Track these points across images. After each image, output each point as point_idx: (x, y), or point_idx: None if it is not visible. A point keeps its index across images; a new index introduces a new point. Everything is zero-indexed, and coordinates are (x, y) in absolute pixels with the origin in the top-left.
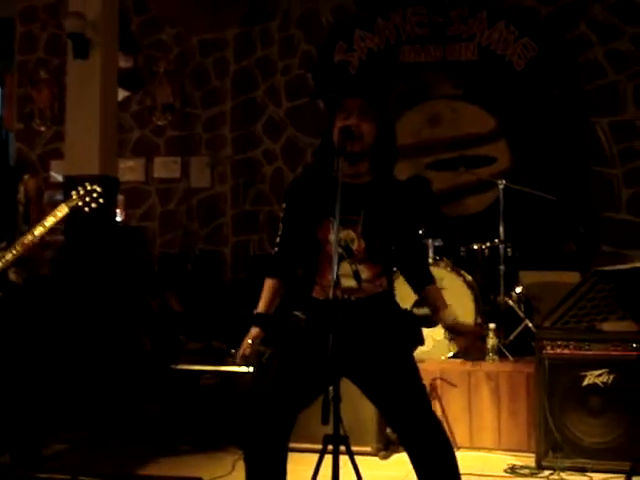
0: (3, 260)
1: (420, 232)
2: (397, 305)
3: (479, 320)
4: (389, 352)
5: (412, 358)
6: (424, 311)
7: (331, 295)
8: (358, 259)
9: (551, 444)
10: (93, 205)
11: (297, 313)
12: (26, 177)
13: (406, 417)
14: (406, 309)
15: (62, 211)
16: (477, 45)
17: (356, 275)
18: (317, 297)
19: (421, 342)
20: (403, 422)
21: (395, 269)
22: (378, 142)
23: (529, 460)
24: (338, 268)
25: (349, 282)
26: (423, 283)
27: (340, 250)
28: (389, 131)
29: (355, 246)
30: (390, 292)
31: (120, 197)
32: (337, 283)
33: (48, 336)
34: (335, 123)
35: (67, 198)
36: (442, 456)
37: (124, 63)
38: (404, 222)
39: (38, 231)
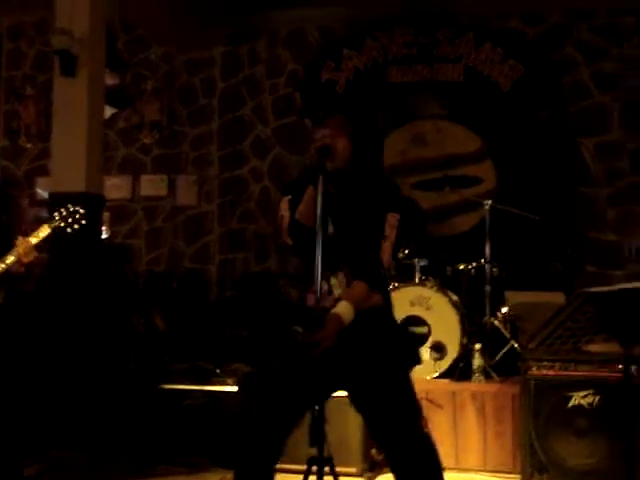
0: None
1: (376, 229)
2: (392, 321)
3: (465, 340)
4: (384, 369)
5: (408, 377)
6: (417, 330)
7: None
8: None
9: (536, 465)
10: (75, 226)
11: (296, 327)
12: None
13: (396, 437)
14: (403, 327)
15: (44, 231)
16: (464, 66)
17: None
18: (312, 307)
19: (418, 362)
20: (392, 441)
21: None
22: (354, 155)
23: None
24: (328, 280)
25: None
26: (355, 275)
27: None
28: (364, 145)
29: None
30: (384, 308)
31: (106, 214)
32: (318, 299)
33: (31, 354)
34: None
35: (50, 219)
36: (429, 477)
37: (111, 80)
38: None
39: (12, 257)
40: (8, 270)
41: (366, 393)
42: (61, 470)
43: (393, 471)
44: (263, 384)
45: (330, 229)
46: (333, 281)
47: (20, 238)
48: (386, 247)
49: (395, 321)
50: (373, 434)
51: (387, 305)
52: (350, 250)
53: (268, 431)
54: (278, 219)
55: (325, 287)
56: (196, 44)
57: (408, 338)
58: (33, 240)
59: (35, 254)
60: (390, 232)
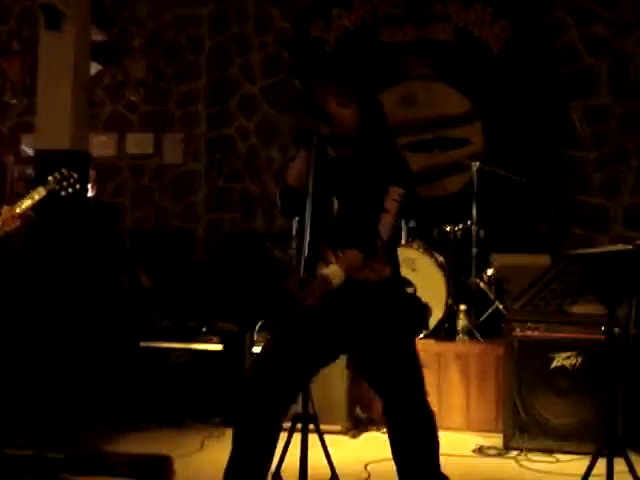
0: None
1: (374, 200)
2: (401, 290)
3: (450, 301)
4: (390, 333)
5: (413, 343)
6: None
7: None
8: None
9: (518, 425)
10: (70, 190)
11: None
12: None
13: (398, 399)
14: (412, 295)
15: (39, 194)
16: (454, 26)
17: None
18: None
19: (425, 327)
20: (396, 408)
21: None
22: (364, 124)
23: (497, 441)
24: (318, 248)
25: None
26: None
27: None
28: (375, 112)
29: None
30: (394, 279)
31: (92, 172)
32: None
33: (16, 311)
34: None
35: (44, 181)
36: (424, 441)
37: (98, 37)
38: (370, 184)
39: (14, 212)
40: None
41: (374, 358)
42: (47, 426)
43: (391, 438)
44: (264, 349)
45: (335, 205)
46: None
47: (4, 207)
48: (385, 220)
49: (404, 290)
50: (378, 393)
51: (396, 276)
52: (354, 227)
53: (270, 396)
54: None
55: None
56: (184, 1)
57: (417, 306)
58: (17, 210)
59: (18, 223)
60: (390, 206)
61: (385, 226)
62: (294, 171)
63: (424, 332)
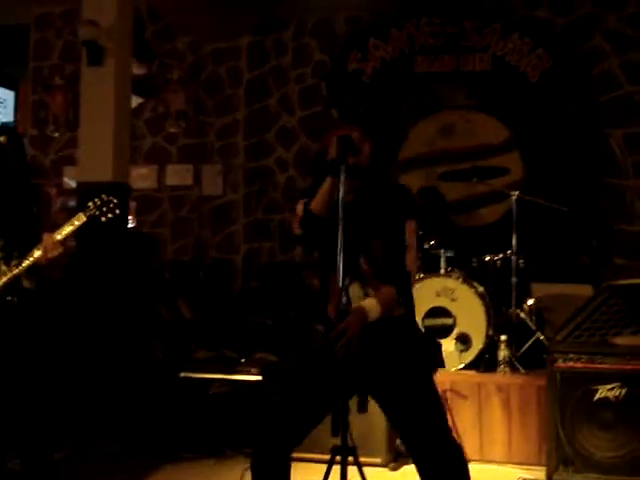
0: (20, 267)
1: (406, 232)
2: (416, 328)
3: (490, 332)
4: (407, 372)
5: (431, 379)
6: (442, 321)
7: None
8: (368, 281)
9: (562, 458)
10: (109, 215)
11: (318, 326)
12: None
13: (421, 439)
14: (426, 332)
15: (80, 220)
16: (491, 56)
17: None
18: (331, 316)
19: (441, 364)
20: (417, 443)
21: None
22: (373, 161)
23: (540, 474)
24: (348, 291)
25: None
26: (383, 280)
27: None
28: (379, 152)
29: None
30: (407, 315)
31: (132, 204)
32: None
33: (59, 341)
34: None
35: (84, 207)
36: (452, 477)
37: (138, 70)
38: (388, 220)
39: (37, 253)
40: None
41: (390, 397)
42: (87, 457)
43: (420, 472)
44: (284, 375)
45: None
46: (352, 293)
47: (46, 234)
48: (411, 257)
49: (418, 326)
50: (400, 434)
51: (410, 311)
52: (368, 253)
53: (284, 423)
54: (293, 216)
55: (344, 299)
56: (222, 34)
57: (432, 342)
58: (58, 236)
59: (60, 250)
60: (411, 239)
61: (412, 262)
62: (320, 197)
63: (439, 369)
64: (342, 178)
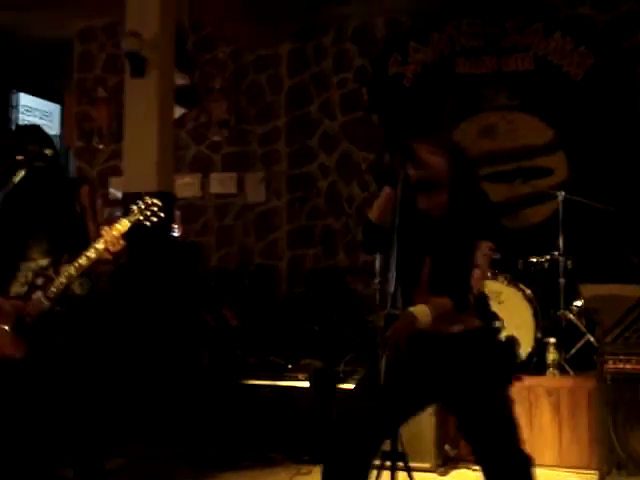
0: (66, 274)
1: (466, 255)
2: (494, 340)
3: (539, 334)
4: (482, 386)
5: (505, 392)
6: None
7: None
8: (422, 291)
9: (615, 462)
10: (154, 219)
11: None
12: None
13: (492, 452)
14: (505, 343)
15: (124, 225)
16: (533, 55)
17: None
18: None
19: (509, 382)
20: (488, 456)
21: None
22: (454, 177)
23: (592, 478)
24: (397, 297)
25: None
26: (437, 292)
27: None
28: (465, 166)
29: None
30: (484, 330)
31: (177, 213)
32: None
33: (108, 350)
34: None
35: (128, 212)
36: None
37: (180, 80)
38: (457, 238)
39: (100, 244)
40: (98, 259)
41: (465, 409)
42: (138, 465)
43: None
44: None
45: (427, 259)
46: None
47: (105, 227)
48: (477, 275)
49: (496, 340)
50: (473, 451)
51: (487, 328)
52: (438, 272)
53: (358, 442)
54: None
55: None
56: (262, 42)
57: (510, 355)
58: (115, 232)
59: (122, 243)
60: (482, 260)
61: (477, 281)
62: (377, 207)
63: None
64: (399, 187)
